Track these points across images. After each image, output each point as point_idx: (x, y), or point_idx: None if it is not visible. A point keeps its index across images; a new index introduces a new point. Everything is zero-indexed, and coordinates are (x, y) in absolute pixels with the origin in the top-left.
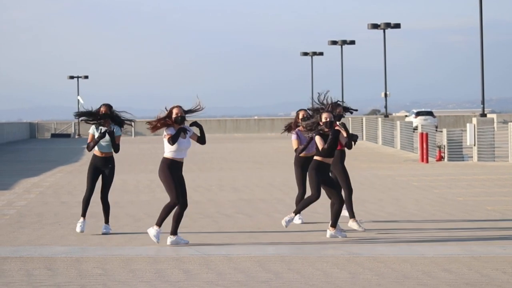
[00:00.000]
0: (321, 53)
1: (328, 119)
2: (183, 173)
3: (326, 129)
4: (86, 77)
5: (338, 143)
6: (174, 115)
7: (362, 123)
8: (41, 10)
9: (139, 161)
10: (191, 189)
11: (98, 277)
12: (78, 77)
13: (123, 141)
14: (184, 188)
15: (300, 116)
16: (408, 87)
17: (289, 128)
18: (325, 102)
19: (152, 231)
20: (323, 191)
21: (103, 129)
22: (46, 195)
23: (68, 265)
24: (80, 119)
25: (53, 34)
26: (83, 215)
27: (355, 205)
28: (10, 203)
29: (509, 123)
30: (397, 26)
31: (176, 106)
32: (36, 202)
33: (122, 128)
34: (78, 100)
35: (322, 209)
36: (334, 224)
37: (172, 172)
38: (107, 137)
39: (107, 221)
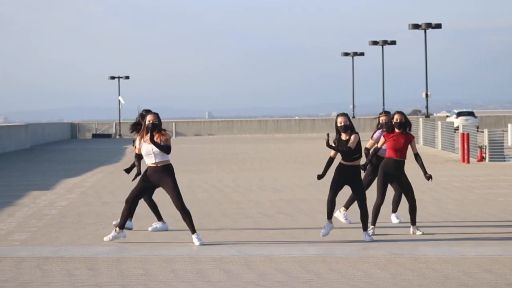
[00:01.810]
0: (362, 53)
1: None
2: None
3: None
4: (127, 77)
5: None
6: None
7: None
8: (84, 10)
9: (180, 162)
10: (231, 189)
11: (139, 277)
12: (119, 77)
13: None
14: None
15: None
16: (449, 88)
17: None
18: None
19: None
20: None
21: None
22: (87, 195)
23: (109, 265)
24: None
25: (95, 34)
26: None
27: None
28: (51, 203)
29: None
30: (438, 26)
31: (151, 113)
32: (77, 202)
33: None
34: (119, 100)
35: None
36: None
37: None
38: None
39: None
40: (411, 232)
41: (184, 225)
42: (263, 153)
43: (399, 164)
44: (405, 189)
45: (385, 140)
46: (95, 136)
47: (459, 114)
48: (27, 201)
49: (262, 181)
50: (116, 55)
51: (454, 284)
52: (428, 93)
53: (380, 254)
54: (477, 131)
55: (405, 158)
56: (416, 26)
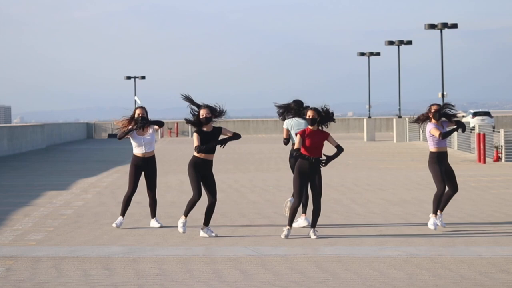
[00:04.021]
0: (378, 53)
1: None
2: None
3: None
4: (143, 77)
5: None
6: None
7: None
8: (101, 10)
9: None
10: (248, 189)
11: (155, 277)
12: (135, 77)
13: (181, 141)
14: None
15: (433, 110)
16: (465, 88)
17: (417, 120)
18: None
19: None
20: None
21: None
22: (103, 195)
23: (125, 265)
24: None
25: (112, 35)
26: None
27: (412, 205)
28: (67, 203)
29: None
30: (454, 26)
31: (140, 107)
32: (93, 202)
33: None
34: (135, 100)
35: (379, 209)
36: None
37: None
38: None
39: None
40: (310, 235)
41: (199, 225)
42: (279, 153)
43: (314, 163)
44: (315, 190)
45: (301, 138)
46: (111, 136)
47: (475, 114)
48: (43, 201)
49: (279, 181)
50: (133, 56)
51: (470, 284)
52: (444, 93)
53: (396, 254)
54: (493, 131)
55: (321, 156)
56: (432, 26)
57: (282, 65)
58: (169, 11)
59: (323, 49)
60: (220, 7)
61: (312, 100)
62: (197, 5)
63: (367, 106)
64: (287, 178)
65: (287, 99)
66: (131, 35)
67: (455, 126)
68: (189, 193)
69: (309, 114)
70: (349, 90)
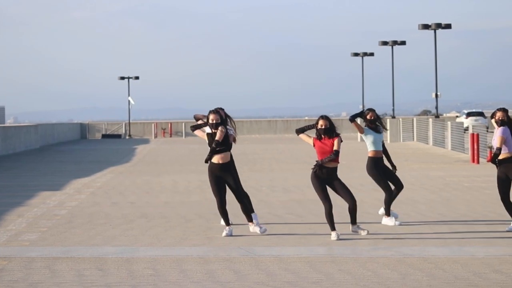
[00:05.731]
0: (371, 54)
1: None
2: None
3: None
4: (137, 77)
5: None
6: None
7: (413, 124)
8: (100, 10)
9: (190, 162)
10: None
11: (149, 278)
12: (128, 78)
13: (175, 141)
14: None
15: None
16: (459, 88)
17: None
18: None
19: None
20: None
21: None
22: (97, 196)
23: (119, 265)
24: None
25: (111, 35)
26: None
27: (406, 205)
28: (61, 203)
29: None
30: (448, 26)
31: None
32: (87, 202)
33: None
34: (129, 100)
35: (373, 209)
36: None
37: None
38: None
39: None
40: (351, 231)
41: (193, 225)
42: (273, 153)
43: (330, 170)
44: (341, 191)
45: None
46: (104, 136)
47: (468, 115)
48: (37, 202)
49: (272, 182)
50: (132, 56)
51: (463, 284)
52: (438, 93)
53: (389, 254)
54: (487, 131)
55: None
56: (426, 27)
57: (276, 66)
58: (169, 11)
59: (317, 49)
60: (220, 7)
61: (310, 100)
62: (197, 5)
63: (361, 107)
64: (280, 178)
65: (286, 99)
66: (130, 35)
67: None
68: (183, 194)
69: (321, 123)
70: (343, 91)
